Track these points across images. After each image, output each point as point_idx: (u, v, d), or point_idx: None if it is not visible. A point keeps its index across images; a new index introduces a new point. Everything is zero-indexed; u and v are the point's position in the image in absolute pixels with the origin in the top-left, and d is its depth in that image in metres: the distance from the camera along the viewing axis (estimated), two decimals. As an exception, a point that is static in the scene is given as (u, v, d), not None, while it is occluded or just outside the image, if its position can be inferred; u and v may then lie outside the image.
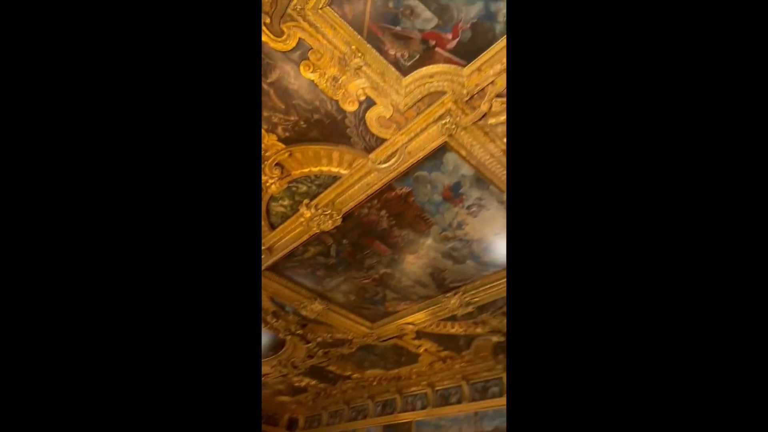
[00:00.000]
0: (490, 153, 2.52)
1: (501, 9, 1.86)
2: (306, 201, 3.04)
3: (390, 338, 4.79)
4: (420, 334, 4.65)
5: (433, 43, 2.02)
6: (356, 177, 2.78)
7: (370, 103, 2.31)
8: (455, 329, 4.46)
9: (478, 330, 4.41)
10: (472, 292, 3.82)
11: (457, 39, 1.99)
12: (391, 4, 1.88)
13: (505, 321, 4.20)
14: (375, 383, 6.05)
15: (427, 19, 1.92)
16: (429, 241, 3.31)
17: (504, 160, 2.55)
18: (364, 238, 3.36)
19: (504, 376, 4.79)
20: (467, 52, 2.04)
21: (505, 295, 3.84)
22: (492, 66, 2.07)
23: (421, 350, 4.97)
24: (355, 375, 5.93)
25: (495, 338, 4.51)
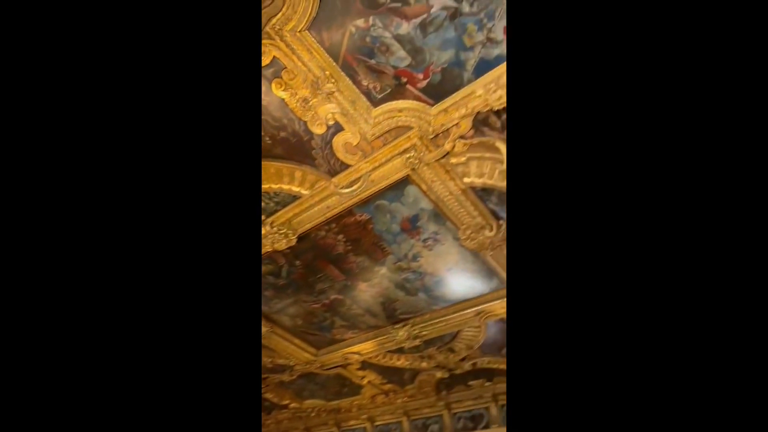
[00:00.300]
0: (450, 190, 2.61)
1: (470, 59, 1.99)
2: (262, 217, 2.96)
3: (334, 367, 4.64)
4: (365, 365, 4.55)
5: (404, 80, 2.11)
6: (317, 198, 2.76)
7: (338, 128, 2.34)
8: (401, 362, 4.41)
9: (424, 364, 4.39)
10: (421, 325, 3.83)
11: (428, 80, 2.09)
12: (368, 39, 1.96)
13: (450, 357, 4.22)
14: (313, 414, 5.77)
15: (401, 57, 2.01)
16: (383, 270, 3.31)
17: (461, 198, 2.65)
18: (318, 261, 3.30)
19: (445, 413, 4.76)
20: (436, 93, 2.15)
21: (451, 330, 3.88)
22: (458, 109, 2.18)
23: (365, 382, 4.85)
24: (292, 404, 5.64)
25: (439, 374, 4.51)
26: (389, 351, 4.26)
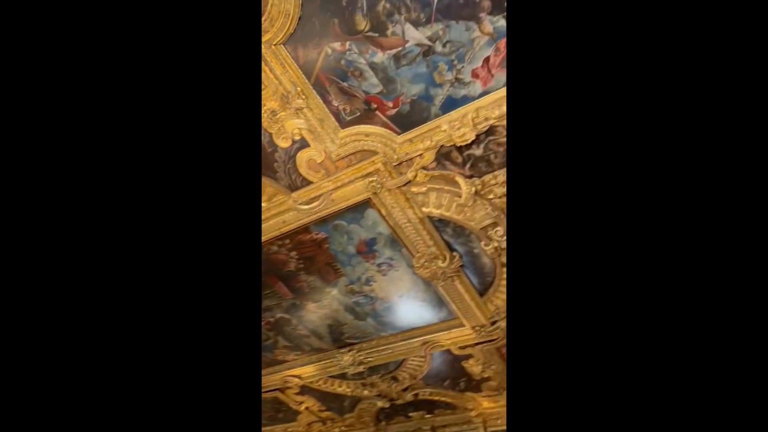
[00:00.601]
0: (408, 218, 2.65)
1: (438, 95, 2.09)
2: (213, 225, 2.83)
3: (271, 390, 4.40)
4: (304, 390, 4.36)
5: (374, 106, 2.16)
6: (273, 212, 2.70)
7: (303, 144, 2.33)
8: (342, 388, 4.28)
9: (365, 392, 4.29)
10: (367, 350, 3.76)
11: (397, 109, 2.16)
12: (342, 62, 2.00)
13: (393, 386, 4.16)
14: (243, 441, 5.39)
15: (373, 84, 2.07)
16: (334, 292, 3.25)
17: (419, 227, 2.70)
18: (267, 276, 3.18)
19: (382, 445, 4.63)
20: (403, 122, 2.21)
21: (397, 359, 3.84)
22: (423, 141, 2.26)
23: (302, 408, 4.63)
24: (221, 429, 5.24)
25: (380, 403, 4.41)
26: (331, 376, 4.12)
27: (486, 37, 1.87)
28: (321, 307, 3.39)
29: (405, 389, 4.20)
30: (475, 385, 4.05)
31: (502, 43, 1.88)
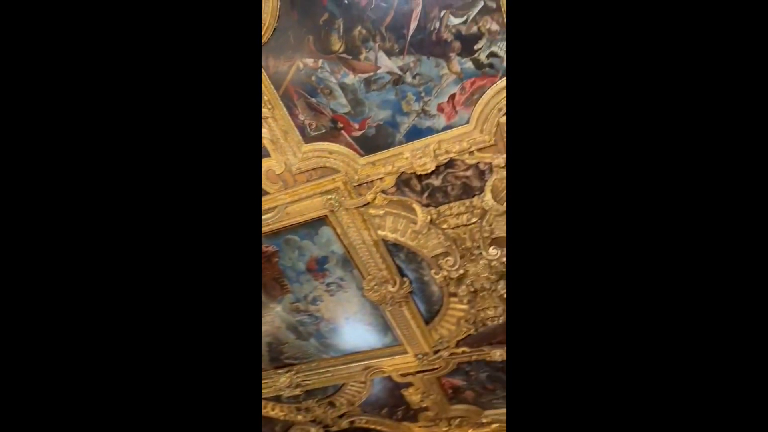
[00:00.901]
0: (363, 239, 2.65)
1: (404, 123, 2.15)
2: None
3: (197, 411, 4.07)
4: (234, 412, 4.08)
5: (340, 125, 2.17)
6: (223, 219, 2.58)
7: (264, 153, 2.28)
8: (275, 412, 4.06)
9: (299, 417, 4.09)
10: (306, 373, 3.62)
11: (363, 131, 2.19)
12: (313, 78, 2.01)
13: (329, 412, 4.01)
14: (156, 467, 4.89)
15: (342, 104, 2.09)
16: (278, 309, 3.13)
17: (372, 249, 2.70)
18: (208, 286, 3.01)
19: (311, 475, 4.40)
20: (368, 145, 2.24)
21: (336, 383, 3.73)
22: (385, 165, 2.30)
23: (229, 431, 4.32)
24: (133, 452, 4.73)
25: (314, 430, 4.22)
26: (265, 398, 3.90)
27: (453, 76, 1.97)
28: (262, 323, 3.24)
29: (341, 416, 4.06)
30: (412, 414, 4.01)
31: (468, 83, 1.99)
